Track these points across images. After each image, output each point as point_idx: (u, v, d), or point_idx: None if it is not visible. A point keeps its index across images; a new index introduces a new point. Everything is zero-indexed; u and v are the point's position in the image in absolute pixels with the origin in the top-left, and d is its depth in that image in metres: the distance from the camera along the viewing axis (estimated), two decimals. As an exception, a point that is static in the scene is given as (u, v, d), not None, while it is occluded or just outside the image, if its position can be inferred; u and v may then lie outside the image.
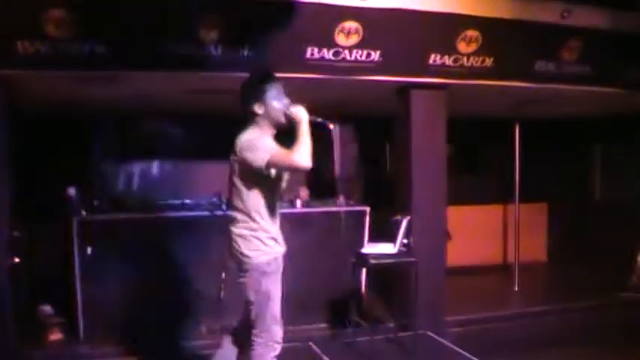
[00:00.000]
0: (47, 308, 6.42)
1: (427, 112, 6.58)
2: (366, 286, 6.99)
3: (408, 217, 5.86)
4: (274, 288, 3.90)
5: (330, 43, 5.80)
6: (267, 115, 3.92)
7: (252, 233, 3.88)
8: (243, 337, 4.06)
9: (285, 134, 3.94)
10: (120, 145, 8.13)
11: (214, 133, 7.00)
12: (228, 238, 3.99)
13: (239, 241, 3.90)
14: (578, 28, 6.46)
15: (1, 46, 5.06)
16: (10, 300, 5.44)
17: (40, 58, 5.14)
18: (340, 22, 5.72)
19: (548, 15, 6.30)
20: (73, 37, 5.11)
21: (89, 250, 5.96)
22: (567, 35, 6.52)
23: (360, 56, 5.95)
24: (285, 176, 4.16)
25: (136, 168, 8.09)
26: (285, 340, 4.23)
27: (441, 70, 6.31)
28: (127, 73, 5.57)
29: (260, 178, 3.85)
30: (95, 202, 6.26)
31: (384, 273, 6.47)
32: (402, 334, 6.32)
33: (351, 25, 5.75)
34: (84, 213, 6.07)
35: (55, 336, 6.14)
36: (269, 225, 3.92)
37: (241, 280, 3.92)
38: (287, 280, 4.12)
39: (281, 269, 3.98)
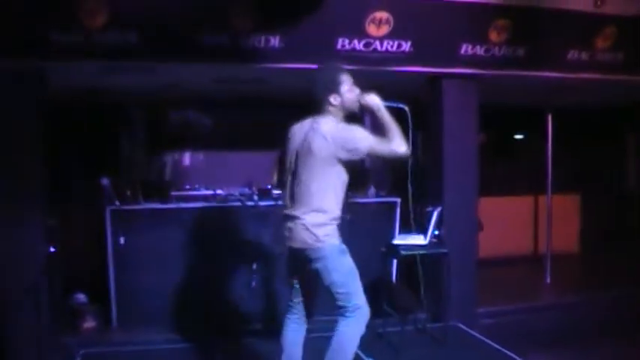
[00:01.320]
0: (81, 296, 6.52)
1: (458, 102, 6.54)
2: (397, 277, 6.98)
3: (440, 208, 5.84)
4: (354, 265, 3.97)
5: (361, 34, 5.80)
6: (341, 106, 3.99)
7: (326, 219, 3.90)
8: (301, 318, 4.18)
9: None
10: (152, 134, 8.19)
11: (246, 123, 7.09)
12: (287, 229, 4.00)
13: (312, 229, 3.89)
14: (612, 15, 6.38)
15: (35, 37, 5.14)
16: (46, 288, 5.52)
17: (74, 49, 5.20)
18: (371, 13, 5.71)
19: (581, 3, 6.22)
20: (106, 28, 5.17)
21: (122, 239, 6.03)
22: (601, 23, 6.44)
23: (391, 47, 5.94)
24: None
25: (168, 158, 8.14)
26: (320, 329, 4.34)
27: (472, 60, 6.28)
28: (160, 64, 5.62)
29: (341, 166, 3.90)
30: (128, 192, 6.31)
31: (415, 264, 6.47)
32: (432, 325, 6.32)
33: (382, 15, 5.74)
34: (117, 203, 6.14)
35: (89, 324, 6.23)
36: (337, 211, 3.96)
37: (318, 266, 3.93)
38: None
39: None
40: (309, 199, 3.93)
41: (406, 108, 4.10)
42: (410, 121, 4.09)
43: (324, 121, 3.95)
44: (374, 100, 3.93)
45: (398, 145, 3.77)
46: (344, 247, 3.96)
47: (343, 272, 3.91)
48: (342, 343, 3.96)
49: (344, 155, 3.84)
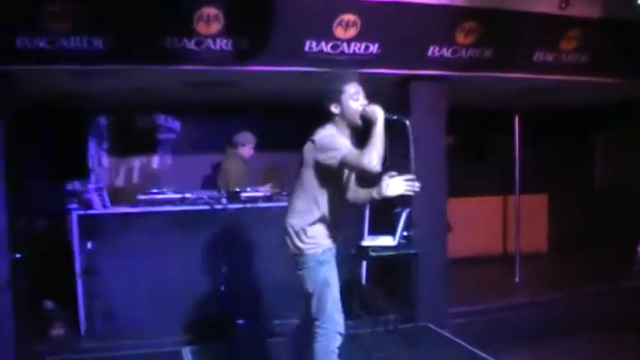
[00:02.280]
0: (49, 303, 6.43)
1: (427, 103, 6.58)
2: (367, 279, 6.99)
3: (409, 209, 5.86)
4: (331, 276, 3.95)
5: (329, 36, 5.81)
6: (343, 115, 3.94)
7: (310, 226, 3.93)
8: (305, 331, 4.10)
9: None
10: (120, 138, 8.14)
11: (215, 127, 7.07)
12: (283, 230, 4.02)
13: (294, 235, 3.95)
14: (577, 18, 6.45)
15: (1, 42, 5.08)
16: (12, 295, 5.44)
17: (40, 54, 5.16)
18: (339, 15, 5.72)
19: (546, 5, 6.29)
20: (73, 32, 5.12)
21: (89, 244, 5.97)
22: (566, 25, 6.52)
23: (359, 49, 5.96)
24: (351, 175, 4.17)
25: (137, 162, 8.09)
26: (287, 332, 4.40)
27: (440, 62, 6.32)
28: (127, 68, 5.58)
29: (327, 174, 3.90)
30: (96, 197, 6.25)
31: (385, 265, 6.48)
32: (403, 325, 6.33)
33: (349, 17, 5.76)
34: (84, 207, 6.07)
35: (57, 331, 6.14)
36: (327, 219, 3.97)
37: (299, 272, 3.98)
38: (287, 272, 4.17)
39: (332, 257, 4.02)
40: (294, 203, 4.01)
41: (407, 122, 4.06)
42: (411, 135, 4.04)
43: (322, 129, 3.95)
44: (376, 112, 3.78)
45: (368, 160, 3.60)
46: (325, 257, 3.95)
47: (317, 283, 3.91)
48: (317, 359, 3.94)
49: (321, 158, 3.81)
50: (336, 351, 3.93)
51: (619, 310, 6.99)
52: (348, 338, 5.72)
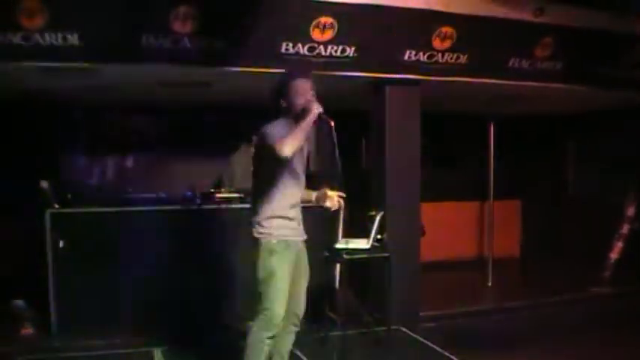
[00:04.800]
0: (19, 302, 6.36)
1: (401, 107, 6.62)
2: (340, 282, 6.99)
3: (382, 212, 5.88)
4: (280, 267, 4.07)
5: (306, 38, 5.82)
6: (288, 109, 4.14)
7: (267, 219, 4.10)
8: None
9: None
10: (94, 137, 8.08)
11: (189, 126, 7.04)
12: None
13: (252, 225, 4.14)
14: (551, 25, 6.53)
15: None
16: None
17: (13, 50, 5.11)
18: (316, 17, 5.73)
19: (521, 12, 6.35)
20: (46, 29, 5.08)
21: (62, 243, 5.91)
22: (540, 33, 6.59)
23: (335, 51, 5.97)
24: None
25: (110, 161, 8.04)
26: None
27: (415, 66, 6.36)
28: (101, 66, 5.55)
29: (276, 166, 4.04)
30: (68, 196, 6.20)
31: (359, 268, 6.49)
32: (376, 329, 6.35)
33: (326, 20, 5.76)
34: (57, 206, 6.03)
35: (27, 330, 6.08)
36: (283, 213, 4.13)
37: (253, 258, 4.13)
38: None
39: (293, 251, 4.18)
40: (253, 198, 4.22)
41: (332, 123, 4.14)
42: (334, 135, 4.15)
43: (270, 123, 4.09)
44: (311, 107, 3.97)
45: (281, 146, 3.78)
46: (277, 247, 4.08)
47: (265, 271, 4.06)
48: (247, 345, 4.10)
49: (266, 147, 3.94)
50: (267, 341, 4.06)
51: (590, 317, 7.06)
52: (320, 341, 5.79)
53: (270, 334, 4.06)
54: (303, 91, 4.12)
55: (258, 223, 4.10)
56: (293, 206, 4.20)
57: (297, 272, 4.26)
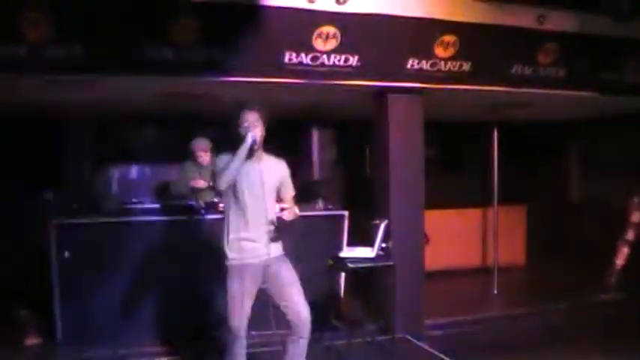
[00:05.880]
0: (24, 312, 6.39)
1: (404, 115, 6.62)
2: (345, 290, 7.00)
3: (386, 221, 5.88)
4: (234, 287, 4.42)
5: (309, 48, 5.84)
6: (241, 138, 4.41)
7: (228, 243, 4.47)
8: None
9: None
10: (98, 148, 8.10)
11: (193, 137, 7.04)
12: None
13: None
14: (554, 31, 6.53)
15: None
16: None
17: (17, 62, 5.14)
18: (318, 27, 5.76)
19: (524, 20, 6.36)
20: (49, 41, 5.11)
21: (67, 253, 5.93)
22: (543, 39, 6.59)
23: (339, 61, 5.99)
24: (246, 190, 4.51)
25: (114, 171, 8.06)
26: (263, 343, 4.87)
27: (418, 75, 6.36)
28: (104, 78, 5.57)
29: (228, 190, 4.45)
30: (73, 206, 6.23)
31: (364, 277, 6.50)
32: (380, 337, 6.34)
33: (329, 29, 5.79)
34: (61, 216, 6.05)
35: (33, 340, 6.10)
36: (241, 235, 4.45)
37: None
38: (275, 293, 4.52)
39: (251, 271, 4.45)
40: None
41: (249, 140, 4.37)
42: (248, 149, 4.36)
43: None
44: (248, 135, 4.35)
45: (218, 180, 4.33)
46: (235, 268, 4.44)
47: (227, 292, 4.45)
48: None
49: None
50: (234, 352, 4.46)
51: (596, 324, 7.03)
52: (325, 349, 5.79)
53: (236, 347, 4.47)
54: (248, 122, 4.41)
55: (225, 249, 4.48)
56: (252, 230, 4.45)
57: (279, 283, 4.52)
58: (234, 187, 4.40)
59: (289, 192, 4.69)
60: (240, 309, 4.41)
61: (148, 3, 5.23)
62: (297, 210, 4.62)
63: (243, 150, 4.31)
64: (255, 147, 4.39)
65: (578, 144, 10.66)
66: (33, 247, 6.47)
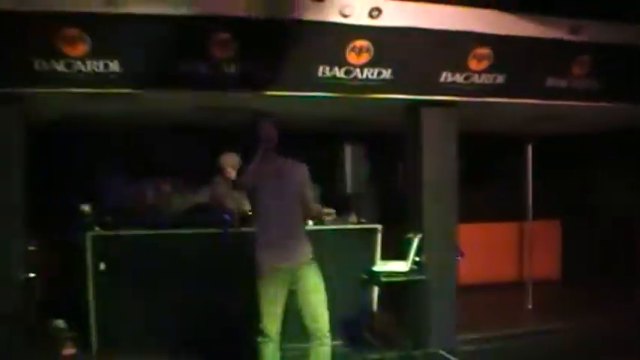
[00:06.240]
0: (60, 322, 6.46)
1: (438, 129, 6.60)
2: (378, 304, 6.98)
3: (420, 235, 5.86)
4: (264, 290, 4.61)
5: (342, 62, 5.85)
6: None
7: (256, 249, 4.69)
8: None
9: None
10: (133, 160, 8.18)
11: (226, 150, 7.08)
12: None
13: None
14: (588, 43, 6.47)
15: (20, 65, 5.18)
16: (24, 314, 5.48)
17: (56, 77, 5.25)
18: (351, 41, 5.77)
19: (558, 31, 6.31)
20: (88, 56, 5.20)
21: (102, 265, 6.00)
22: (577, 51, 6.53)
23: (372, 74, 6.00)
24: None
25: (149, 184, 8.10)
26: (297, 357, 4.90)
27: (452, 88, 6.34)
28: (141, 92, 5.65)
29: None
30: (108, 218, 6.29)
31: (397, 291, 6.48)
32: (414, 352, 6.31)
33: (362, 43, 5.80)
34: (97, 228, 6.12)
35: (68, 351, 6.18)
36: (265, 242, 4.66)
37: None
38: (297, 296, 4.61)
39: (276, 274, 4.60)
40: None
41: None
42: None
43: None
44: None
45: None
46: (263, 274, 4.61)
47: (257, 295, 4.64)
48: None
49: None
50: (265, 356, 4.63)
51: (633, 339, 6.91)
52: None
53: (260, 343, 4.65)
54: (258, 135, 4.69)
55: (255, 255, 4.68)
56: (275, 237, 4.64)
57: (303, 288, 4.65)
58: (256, 194, 4.67)
59: (309, 196, 4.78)
60: (268, 312, 4.58)
61: (185, 19, 5.30)
62: (320, 208, 4.70)
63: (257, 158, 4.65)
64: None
65: (614, 156, 10.51)
66: (70, 259, 6.55)
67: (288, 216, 4.63)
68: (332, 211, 6.87)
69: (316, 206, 4.80)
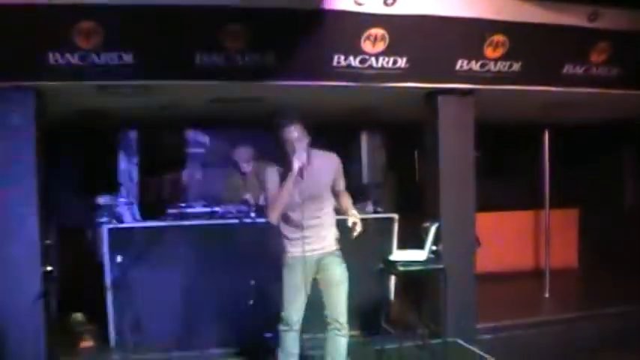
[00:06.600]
0: (79, 316, 6.49)
1: (454, 117, 6.57)
2: (395, 293, 6.96)
3: (437, 224, 5.83)
4: (288, 279, 4.60)
5: (357, 51, 5.82)
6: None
7: (282, 237, 4.66)
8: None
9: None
10: (149, 153, 8.20)
11: (243, 140, 7.10)
12: None
13: None
14: (606, 30, 6.40)
15: (34, 58, 5.18)
16: (43, 308, 5.51)
17: (70, 69, 5.25)
18: (366, 30, 5.74)
19: (575, 18, 6.26)
20: (102, 48, 5.20)
21: (119, 258, 6.01)
22: (595, 38, 6.47)
23: (387, 63, 5.97)
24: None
25: (166, 176, 8.13)
26: (314, 346, 4.89)
27: (468, 76, 6.30)
28: (156, 84, 5.64)
29: None
30: (126, 211, 6.30)
31: (414, 280, 6.46)
32: (432, 341, 6.29)
33: (377, 31, 5.77)
34: (114, 221, 6.13)
35: (87, 343, 6.21)
36: (289, 231, 4.61)
37: None
38: (315, 287, 4.58)
39: (305, 264, 4.54)
40: None
41: (297, 167, 4.37)
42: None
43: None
44: (295, 163, 4.36)
45: (269, 213, 4.51)
46: (289, 262, 4.60)
47: (282, 283, 4.62)
48: None
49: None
50: (286, 345, 4.61)
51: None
52: (376, 353, 5.76)
53: (282, 328, 4.63)
54: (287, 139, 4.41)
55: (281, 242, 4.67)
56: (298, 227, 4.55)
57: (326, 278, 4.62)
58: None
59: (342, 183, 4.73)
60: (292, 300, 4.57)
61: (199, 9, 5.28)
62: (355, 212, 4.61)
63: (291, 179, 4.35)
64: (305, 170, 4.37)
65: (633, 145, 10.43)
66: (87, 252, 6.58)
67: (319, 207, 4.58)
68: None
69: (348, 199, 4.67)
